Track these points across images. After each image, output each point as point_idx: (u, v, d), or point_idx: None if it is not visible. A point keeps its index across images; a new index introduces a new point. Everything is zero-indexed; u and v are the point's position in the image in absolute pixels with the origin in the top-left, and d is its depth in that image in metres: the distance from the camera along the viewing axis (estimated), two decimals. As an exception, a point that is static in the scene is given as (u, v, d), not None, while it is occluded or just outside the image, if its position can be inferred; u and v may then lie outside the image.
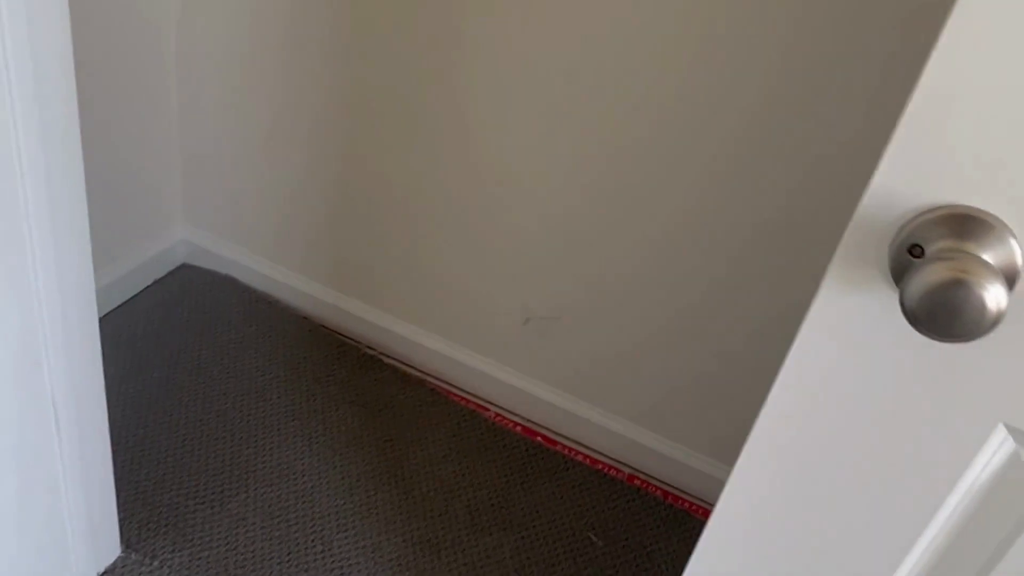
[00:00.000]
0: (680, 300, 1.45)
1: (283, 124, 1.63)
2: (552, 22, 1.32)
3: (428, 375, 1.75)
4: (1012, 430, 0.56)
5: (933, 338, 0.50)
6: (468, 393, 1.73)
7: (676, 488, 1.62)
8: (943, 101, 0.49)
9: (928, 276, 0.48)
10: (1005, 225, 0.50)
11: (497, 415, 1.70)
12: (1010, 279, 0.51)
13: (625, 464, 1.65)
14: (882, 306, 0.54)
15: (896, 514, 0.61)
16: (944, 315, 0.48)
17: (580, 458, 1.64)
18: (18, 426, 1.00)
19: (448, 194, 1.55)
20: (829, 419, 0.60)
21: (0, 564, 1.05)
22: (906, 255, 0.52)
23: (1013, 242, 0.50)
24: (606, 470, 1.63)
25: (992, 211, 0.50)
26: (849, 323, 0.56)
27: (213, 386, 1.63)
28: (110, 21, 1.50)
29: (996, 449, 0.56)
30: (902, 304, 0.49)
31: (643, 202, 1.40)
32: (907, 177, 0.51)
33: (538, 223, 1.50)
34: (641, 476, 1.63)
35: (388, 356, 1.77)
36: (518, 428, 1.68)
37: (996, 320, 0.48)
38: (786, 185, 1.30)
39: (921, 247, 0.51)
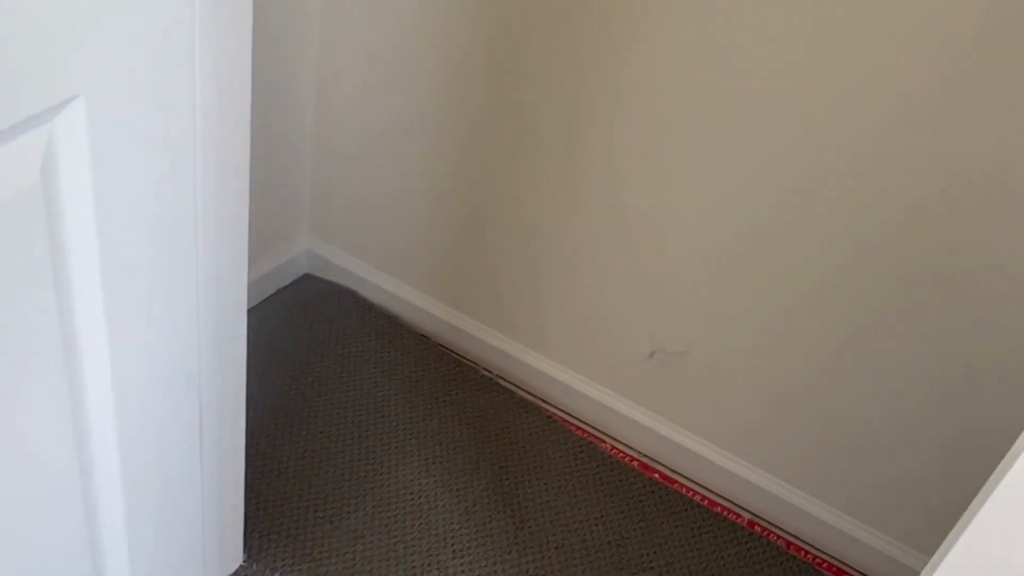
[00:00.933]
0: (819, 350, 1.39)
1: (416, 143, 1.63)
2: (708, 56, 1.28)
3: (544, 401, 1.72)
4: None
5: None
6: (584, 423, 1.69)
7: (799, 538, 1.55)
8: None
9: None
10: None
11: (613, 448, 1.66)
12: None
13: (744, 508, 1.59)
14: None
15: None
16: None
17: (698, 499, 1.59)
18: (167, 439, 1.01)
19: (577, 222, 1.52)
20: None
21: (141, 570, 1.06)
22: None
23: None
24: (725, 513, 1.57)
25: None
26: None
27: (333, 399, 1.63)
28: (255, 30, 1.52)
29: None
30: None
31: (787, 240, 1.34)
32: None
33: (671, 254, 1.46)
34: (761, 522, 1.57)
35: (505, 379, 1.75)
36: (635, 463, 1.63)
37: None
38: (980, 229, 1.22)
39: None
